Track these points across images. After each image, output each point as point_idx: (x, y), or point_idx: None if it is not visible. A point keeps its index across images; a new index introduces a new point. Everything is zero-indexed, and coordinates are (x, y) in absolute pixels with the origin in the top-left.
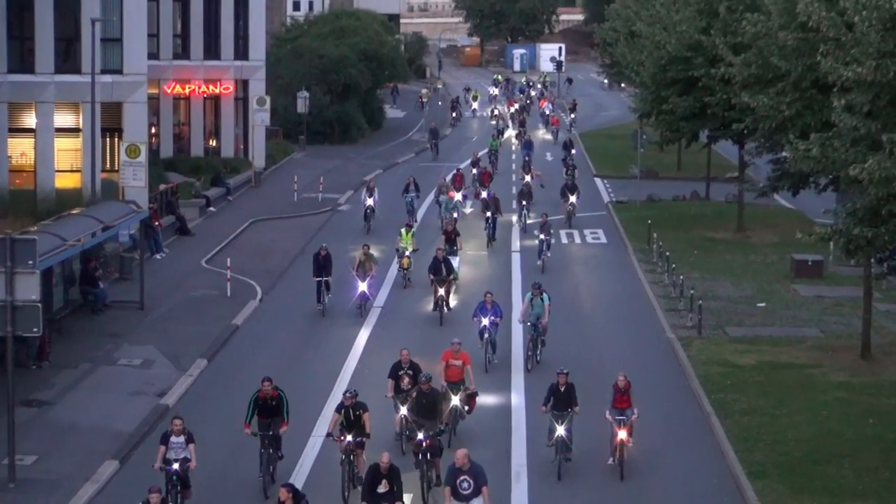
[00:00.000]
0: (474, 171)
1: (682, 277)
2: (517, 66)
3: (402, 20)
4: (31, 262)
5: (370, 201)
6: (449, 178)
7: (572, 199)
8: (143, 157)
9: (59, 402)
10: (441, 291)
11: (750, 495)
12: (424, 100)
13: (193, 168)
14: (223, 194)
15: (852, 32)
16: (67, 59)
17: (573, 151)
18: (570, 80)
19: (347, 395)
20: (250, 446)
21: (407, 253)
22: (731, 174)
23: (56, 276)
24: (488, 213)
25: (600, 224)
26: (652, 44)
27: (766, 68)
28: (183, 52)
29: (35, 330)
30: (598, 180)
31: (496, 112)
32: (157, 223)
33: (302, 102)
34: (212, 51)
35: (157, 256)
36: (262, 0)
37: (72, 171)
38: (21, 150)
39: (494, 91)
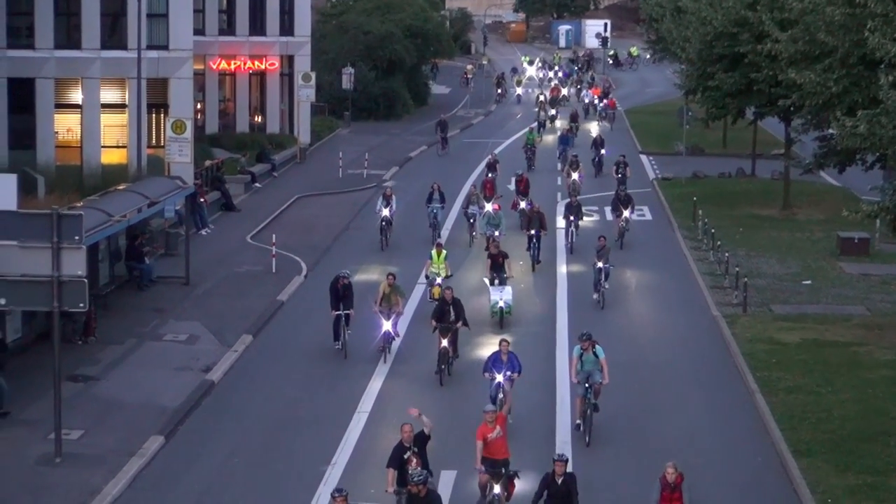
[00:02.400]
0: (490, 175)
1: (727, 254)
2: (562, 42)
3: None
4: (77, 237)
5: (386, 212)
6: (474, 184)
7: (626, 213)
8: (188, 132)
9: (104, 377)
10: (444, 342)
11: (795, 473)
12: (469, 76)
13: (239, 144)
14: (268, 170)
15: None
16: (113, 34)
17: (603, 151)
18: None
19: (337, 497)
20: (292, 426)
21: (438, 280)
22: (777, 151)
23: (102, 251)
24: (532, 231)
25: (645, 201)
26: (698, 19)
27: (813, 44)
28: (228, 27)
29: (81, 305)
30: (643, 157)
31: (541, 98)
32: (202, 199)
33: (347, 78)
34: (257, 26)
35: (203, 232)
36: None
37: (118, 146)
38: (67, 125)
39: (540, 73)
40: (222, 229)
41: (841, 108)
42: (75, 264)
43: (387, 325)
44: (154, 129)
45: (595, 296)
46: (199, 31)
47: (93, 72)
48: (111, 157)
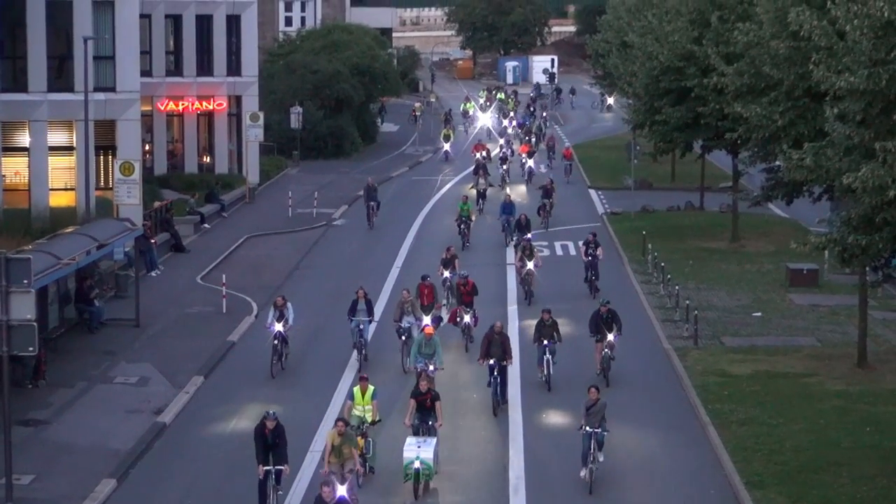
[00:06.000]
0: (447, 274)
1: (677, 288)
2: (510, 79)
3: (394, 34)
4: (25, 281)
5: (279, 326)
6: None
7: (610, 337)
8: (137, 174)
9: (55, 421)
10: None
11: None
12: (418, 113)
13: (187, 185)
14: (217, 210)
15: (844, 41)
16: (60, 77)
17: (528, 235)
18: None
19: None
20: (244, 466)
21: (365, 426)
22: (725, 184)
23: (51, 294)
24: (491, 361)
25: None
26: (644, 54)
27: (759, 77)
28: (175, 68)
29: (31, 349)
30: (592, 192)
31: (479, 156)
32: (151, 240)
33: (295, 118)
34: (204, 67)
35: (153, 274)
36: (254, 16)
37: (66, 189)
38: (15, 168)
39: (491, 120)
40: (172, 270)
41: (787, 141)
42: (24, 308)
43: (341, 490)
44: (102, 171)
45: (583, 472)
46: (146, 73)
47: (40, 114)
48: (59, 200)
